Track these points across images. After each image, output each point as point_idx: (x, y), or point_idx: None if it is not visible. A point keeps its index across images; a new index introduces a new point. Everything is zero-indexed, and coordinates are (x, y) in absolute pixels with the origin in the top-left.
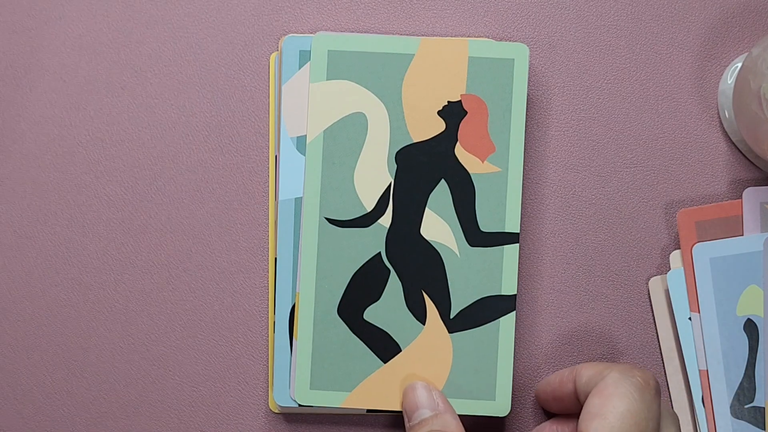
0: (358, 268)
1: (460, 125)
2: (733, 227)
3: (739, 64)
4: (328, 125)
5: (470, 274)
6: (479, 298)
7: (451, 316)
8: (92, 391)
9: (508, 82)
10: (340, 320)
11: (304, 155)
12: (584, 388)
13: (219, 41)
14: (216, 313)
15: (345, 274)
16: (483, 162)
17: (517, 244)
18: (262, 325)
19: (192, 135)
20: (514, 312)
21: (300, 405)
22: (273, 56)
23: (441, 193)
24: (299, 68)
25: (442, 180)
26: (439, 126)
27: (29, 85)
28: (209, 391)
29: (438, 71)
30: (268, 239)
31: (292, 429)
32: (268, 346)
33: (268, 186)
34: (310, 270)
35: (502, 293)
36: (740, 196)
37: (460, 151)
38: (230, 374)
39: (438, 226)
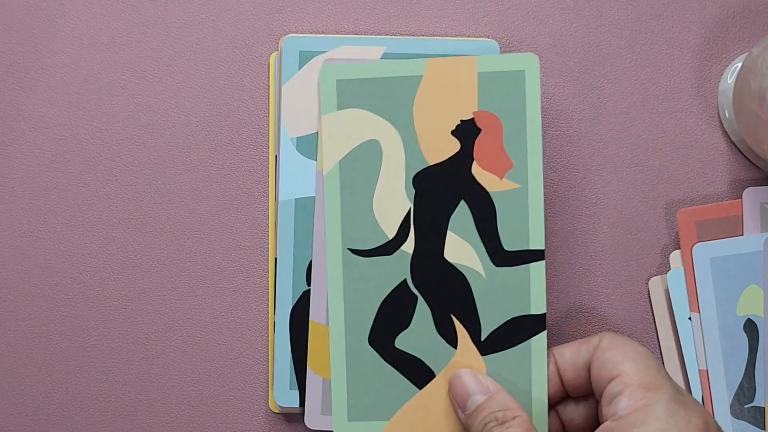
0: (386, 296)
1: (475, 143)
2: (733, 227)
3: (739, 64)
4: (343, 155)
5: (498, 294)
6: (509, 318)
7: (482, 339)
8: (91, 390)
9: (520, 95)
10: (372, 350)
11: (305, 156)
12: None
13: (219, 41)
14: (216, 312)
15: (373, 303)
16: (501, 179)
17: (543, 261)
18: (262, 325)
19: (192, 135)
20: (545, 331)
21: None
22: (273, 56)
23: (462, 215)
24: (299, 68)
25: (462, 201)
26: (454, 146)
27: (29, 85)
28: (209, 390)
29: (448, 90)
30: (268, 239)
31: (292, 429)
32: (268, 346)
33: (268, 186)
34: (338, 302)
35: (532, 312)
36: (740, 196)
37: (477, 170)
38: (230, 374)
39: (461, 249)
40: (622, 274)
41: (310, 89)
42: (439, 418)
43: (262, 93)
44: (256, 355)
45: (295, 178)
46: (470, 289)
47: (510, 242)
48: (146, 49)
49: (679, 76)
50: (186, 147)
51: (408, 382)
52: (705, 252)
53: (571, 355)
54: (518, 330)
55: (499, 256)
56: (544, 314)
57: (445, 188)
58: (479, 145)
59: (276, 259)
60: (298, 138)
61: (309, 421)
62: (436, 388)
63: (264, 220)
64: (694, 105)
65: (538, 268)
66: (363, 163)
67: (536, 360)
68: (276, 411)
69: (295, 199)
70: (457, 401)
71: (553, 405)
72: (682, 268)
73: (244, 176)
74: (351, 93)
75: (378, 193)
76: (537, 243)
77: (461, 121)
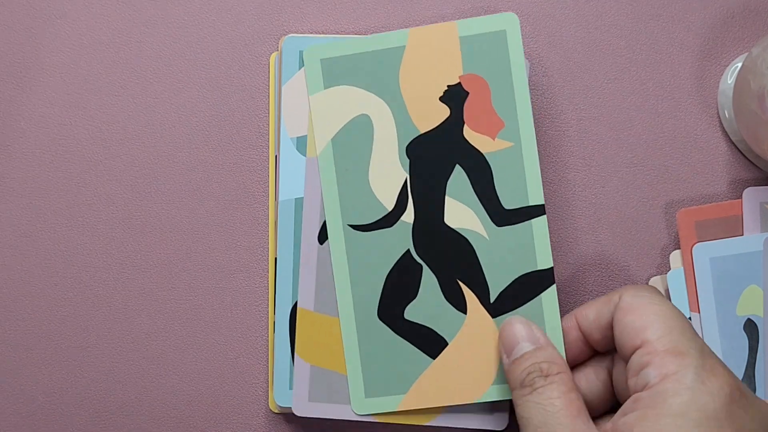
0: (390, 268)
1: (464, 107)
2: (733, 227)
3: (739, 64)
4: (334, 133)
5: (502, 254)
6: (516, 277)
7: (492, 301)
8: (91, 389)
9: (503, 55)
10: (383, 324)
11: (305, 155)
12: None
13: (219, 41)
14: (216, 312)
15: (379, 277)
16: (494, 139)
17: (544, 216)
18: (262, 325)
19: (192, 134)
20: (554, 285)
21: (359, 414)
22: (273, 56)
23: (458, 179)
24: (299, 68)
25: (457, 165)
26: (444, 112)
27: (29, 84)
28: (209, 390)
29: (432, 58)
30: (268, 239)
31: (292, 429)
32: (268, 345)
33: (268, 186)
34: (344, 280)
35: (539, 268)
36: (740, 196)
37: (469, 133)
38: (230, 374)
39: (461, 213)
40: (622, 274)
41: None
42: (455, 387)
43: (262, 93)
44: (256, 355)
45: (295, 178)
46: (474, 252)
47: (509, 200)
48: (146, 49)
49: (679, 76)
50: (186, 147)
51: (421, 353)
52: (705, 252)
53: (595, 316)
54: (527, 287)
55: (500, 216)
56: (551, 268)
57: (439, 154)
58: (468, 108)
59: (276, 258)
60: (298, 138)
61: (297, 408)
62: (450, 356)
63: (264, 220)
64: (694, 105)
65: (540, 223)
66: (355, 138)
67: (549, 315)
68: (276, 411)
69: (295, 198)
70: (504, 347)
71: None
72: (682, 268)
73: (244, 176)
74: (336, 71)
75: (373, 167)
76: (536, 198)
77: (448, 86)
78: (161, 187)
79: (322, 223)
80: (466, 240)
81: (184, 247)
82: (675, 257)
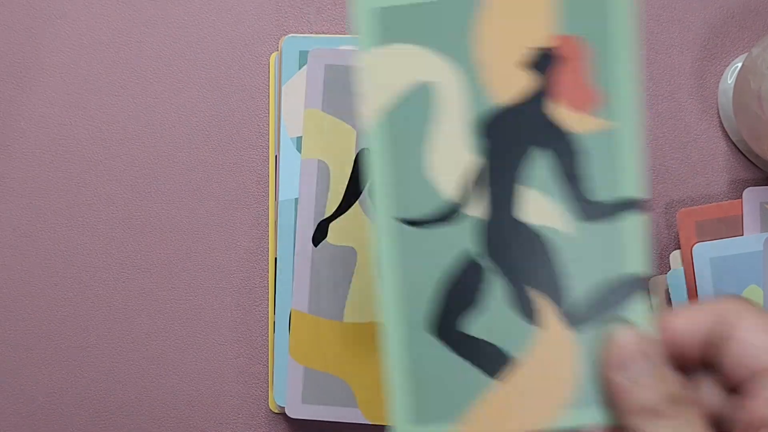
0: (447, 272)
1: (554, 76)
2: (733, 227)
3: (739, 64)
4: (388, 104)
5: (585, 255)
6: (601, 282)
7: (570, 310)
8: (91, 389)
9: (609, 12)
10: (435, 339)
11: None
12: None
13: (219, 41)
14: (216, 312)
15: (431, 282)
16: (588, 118)
17: (643, 211)
18: (262, 325)
19: (192, 134)
20: (646, 295)
21: None
22: (273, 56)
23: (539, 165)
24: (299, 68)
25: (539, 147)
26: (527, 81)
27: (30, 84)
28: (209, 390)
29: (517, 12)
30: (268, 239)
31: (292, 429)
32: (268, 345)
33: (268, 186)
34: (390, 286)
35: (628, 272)
36: (740, 196)
37: (557, 109)
38: (230, 374)
39: (539, 205)
40: None
41: None
42: (521, 412)
43: (262, 93)
44: (256, 355)
45: (295, 178)
46: (552, 252)
47: (599, 192)
48: (146, 49)
49: (679, 76)
50: (186, 147)
51: (480, 372)
52: (705, 252)
53: (695, 329)
54: (613, 296)
55: (587, 210)
56: (645, 274)
57: (518, 134)
58: (559, 77)
59: (276, 258)
60: (298, 138)
61: (290, 410)
62: (516, 376)
63: (264, 220)
64: (694, 105)
65: (635, 220)
66: (413, 111)
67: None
68: (276, 411)
69: (295, 198)
70: (617, 361)
71: None
72: (682, 268)
73: (244, 176)
74: (395, 24)
75: (433, 148)
76: (635, 190)
77: (535, 49)
78: (161, 187)
79: (316, 225)
80: (543, 238)
81: (184, 247)
82: (675, 257)
